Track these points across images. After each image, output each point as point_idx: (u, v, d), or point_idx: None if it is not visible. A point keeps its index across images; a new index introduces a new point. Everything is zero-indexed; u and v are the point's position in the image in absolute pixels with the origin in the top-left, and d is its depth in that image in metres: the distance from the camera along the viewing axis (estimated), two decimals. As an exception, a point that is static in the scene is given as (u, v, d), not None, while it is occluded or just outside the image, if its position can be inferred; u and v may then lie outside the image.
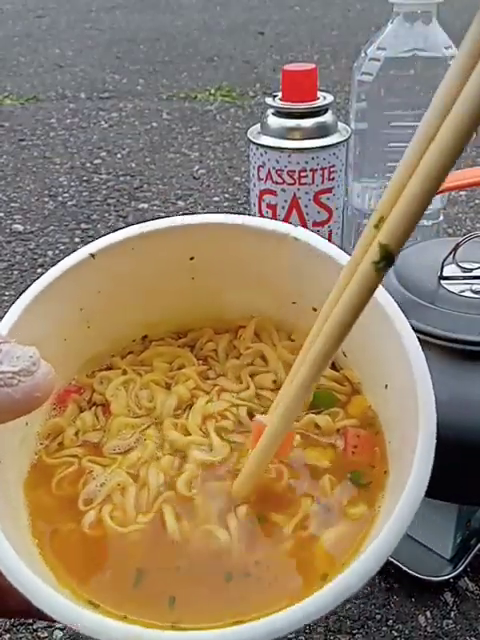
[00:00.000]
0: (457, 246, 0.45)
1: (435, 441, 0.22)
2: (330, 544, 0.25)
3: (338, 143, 0.64)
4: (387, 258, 0.19)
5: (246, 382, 0.31)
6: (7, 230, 1.03)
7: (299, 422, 0.29)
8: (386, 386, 0.27)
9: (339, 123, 0.66)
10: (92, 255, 0.28)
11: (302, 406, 0.24)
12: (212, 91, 1.72)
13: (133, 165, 1.26)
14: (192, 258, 0.30)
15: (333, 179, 0.66)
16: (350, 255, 0.22)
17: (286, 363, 0.31)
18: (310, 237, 0.28)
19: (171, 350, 0.32)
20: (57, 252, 0.96)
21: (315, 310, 0.30)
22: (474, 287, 0.44)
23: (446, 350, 0.41)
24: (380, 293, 0.25)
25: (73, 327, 0.29)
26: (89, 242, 0.29)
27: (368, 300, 0.20)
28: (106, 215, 1.07)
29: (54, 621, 0.20)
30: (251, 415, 0.29)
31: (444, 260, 0.45)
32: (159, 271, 0.30)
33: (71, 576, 0.24)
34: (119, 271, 0.29)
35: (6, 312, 0.26)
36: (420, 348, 0.24)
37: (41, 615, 0.27)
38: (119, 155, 1.31)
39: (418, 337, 0.42)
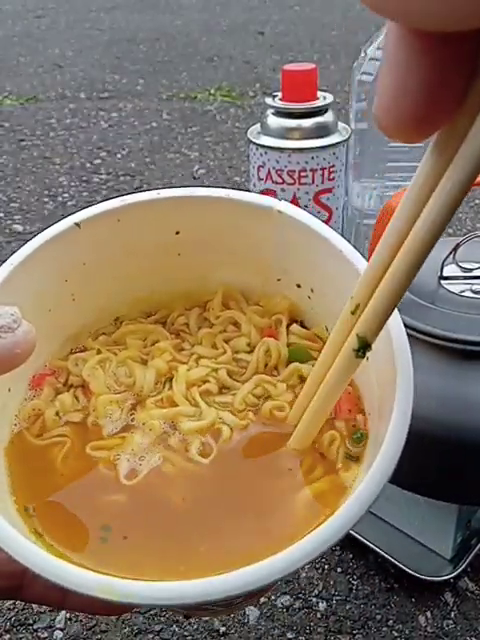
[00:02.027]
0: (457, 246, 0.45)
1: (411, 408, 0.22)
2: (311, 500, 0.25)
3: (338, 143, 0.64)
4: (365, 346, 0.22)
5: (222, 347, 0.31)
6: (7, 230, 1.03)
7: (283, 373, 0.29)
8: None
9: (339, 123, 0.66)
10: (77, 224, 0.28)
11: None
12: (212, 91, 1.72)
13: (133, 165, 1.26)
14: (178, 232, 0.30)
15: (333, 179, 0.66)
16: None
17: (257, 327, 0.31)
18: (294, 211, 0.28)
19: (143, 327, 0.32)
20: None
21: (299, 286, 0.30)
22: (474, 287, 0.44)
23: (446, 350, 0.41)
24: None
25: (58, 298, 0.29)
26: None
27: (349, 379, 0.23)
28: (106, 215, 1.06)
29: (39, 603, 0.20)
30: (231, 376, 0.30)
31: (444, 260, 0.45)
32: (146, 245, 0.30)
33: (63, 544, 0.23)
34: (105, 243, 0.29)
35: None
36: (400, 319, 0.24)
37: (29, 596, 0.27)
38: (119, 155, 1.31)
39: (418, 337, 0.42)
